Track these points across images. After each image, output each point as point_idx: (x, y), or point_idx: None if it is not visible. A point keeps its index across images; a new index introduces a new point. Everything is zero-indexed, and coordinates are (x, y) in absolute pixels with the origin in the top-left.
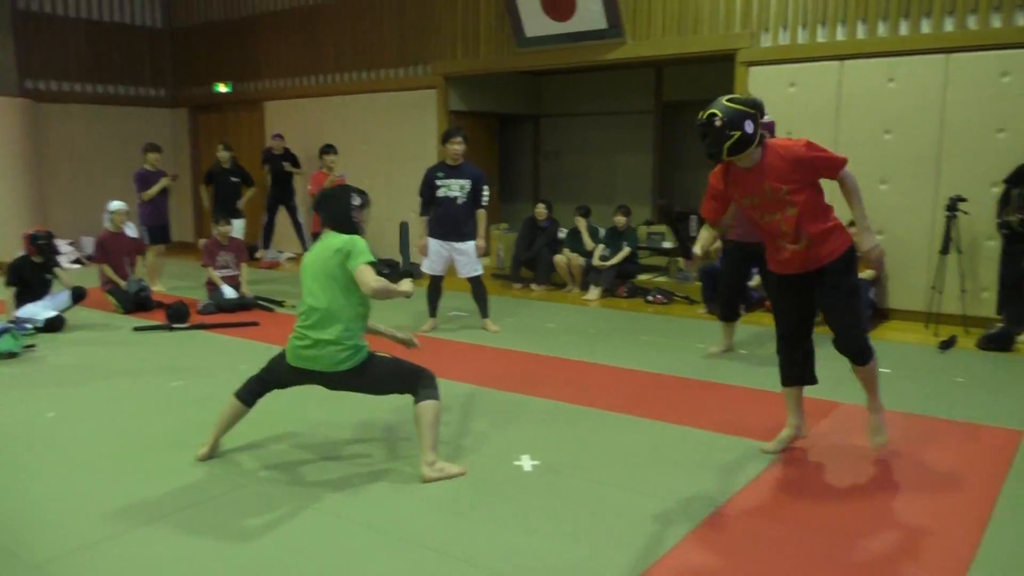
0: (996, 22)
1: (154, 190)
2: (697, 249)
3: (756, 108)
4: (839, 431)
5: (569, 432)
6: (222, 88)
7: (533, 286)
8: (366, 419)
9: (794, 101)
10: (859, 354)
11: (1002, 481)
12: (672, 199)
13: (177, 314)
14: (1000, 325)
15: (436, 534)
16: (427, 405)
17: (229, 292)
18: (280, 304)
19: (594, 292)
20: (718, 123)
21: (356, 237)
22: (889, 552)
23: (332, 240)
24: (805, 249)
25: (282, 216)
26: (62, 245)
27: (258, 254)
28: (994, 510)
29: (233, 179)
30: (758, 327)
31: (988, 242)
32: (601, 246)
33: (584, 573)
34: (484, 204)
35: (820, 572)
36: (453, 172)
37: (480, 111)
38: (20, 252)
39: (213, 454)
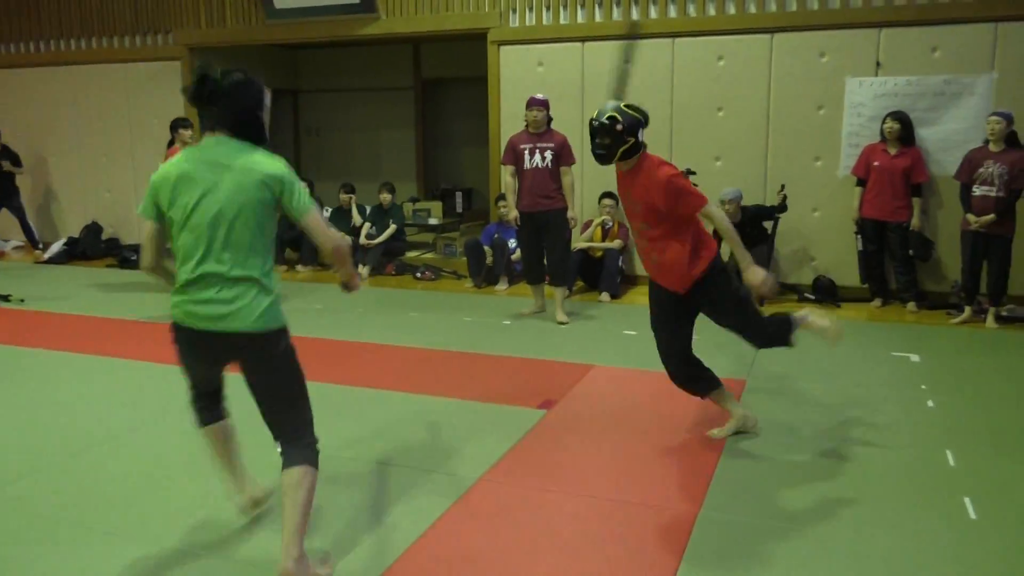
0: (713, 10)
1: None
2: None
3: (645, 118)
4: (590, 393)
5: (337, 414)
6: None
7: (299, 267)
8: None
9: (543, 80)
10: (777, 343)
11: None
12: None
13: None
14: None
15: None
16: (299, 474)
17: None
18: (6, 299)
19: (362, 271)
20: (619, 127)
21: (285, 166)
22: (634, 497)
23: (244, 158)
24: (657, 267)
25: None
26: None
27: None
28: (723, 449)
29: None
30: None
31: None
32: (367, 224)
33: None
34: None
35: (574, 526)
36: None
37: None
38: None
39: (253, 493)
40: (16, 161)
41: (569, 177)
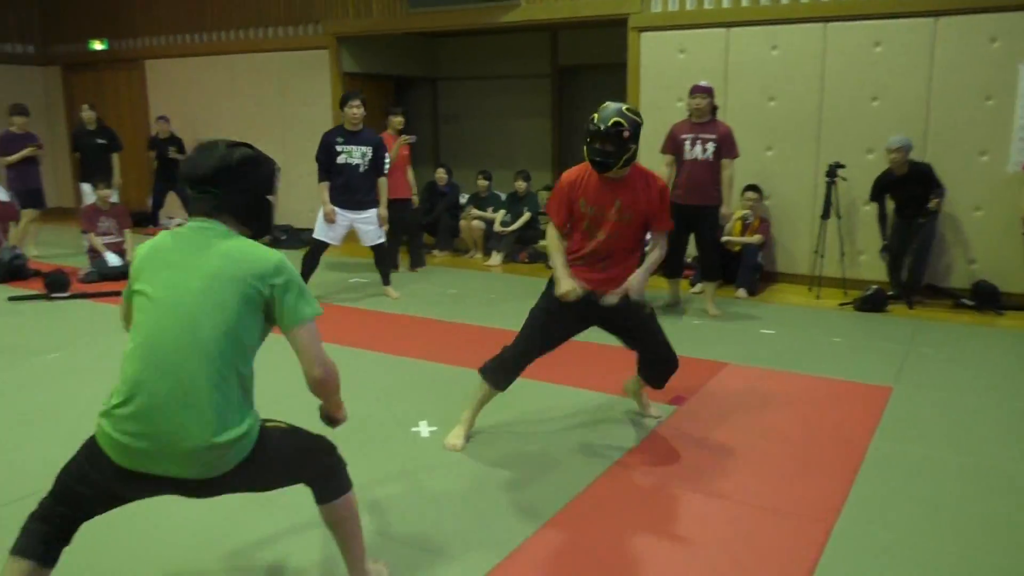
0: None
1: (15, 157)
2: (571, 289)
3: (642, 122)
4: (722, 392)
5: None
6: (97, 45)
7: (435, 252)
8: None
9: (685, 68)
10: (672, 368)
11: (872, 433)
12: None
13: (56, 283)
14: (875, 287)
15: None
16: (348, 501)
17: (113, 259)
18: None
19: (496, 258)
20: (625, 134)
21: (284, 258)
22: (765, 503)
23: (235, 246)
24: (605, 275)
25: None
26: None
27: (151, 229)
28: (863, 461)
29: (99, 141)
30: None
31: (865, 207)
32: (502, 212)
33: (478, 530)
34: (385, 171)
35: (699, 526)
36: (353, 138)
37: (375, 73)
38: None
39: None
40: (181, 148)
41: (729, 171)
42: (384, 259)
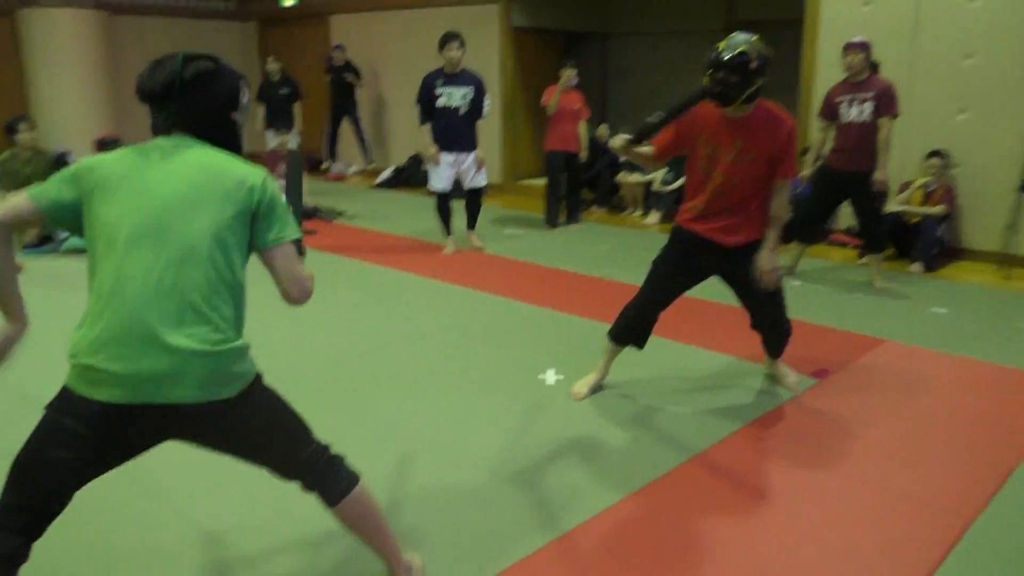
0: None
1: None
2: (619, 137)
3: (771, 57)
4: (875, 369)
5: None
6: (288, 2)
7: (593, 208)
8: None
9: (868, 21)
10: (786, 337)
11: None
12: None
13: None
14: None
15: (450, 440)
16: (363, 490)
17: None
18: (340, 214)
19: (654, 216)
20: (752, 65)
21: (266, 172)
22: (898, 488)
23: (213, 156)
24: (724, 222)
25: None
26: None
27: (324, 165)
28: None
29: (283, 91)
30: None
31: None
32: (663, 170)
33: (595, 483)
34: (485, 114)
35: (815, 504)
36: (453, 80)
37: (545, 28)
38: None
39: None
40: (358, 75)
41: (885, 130)
42: (477, 203)
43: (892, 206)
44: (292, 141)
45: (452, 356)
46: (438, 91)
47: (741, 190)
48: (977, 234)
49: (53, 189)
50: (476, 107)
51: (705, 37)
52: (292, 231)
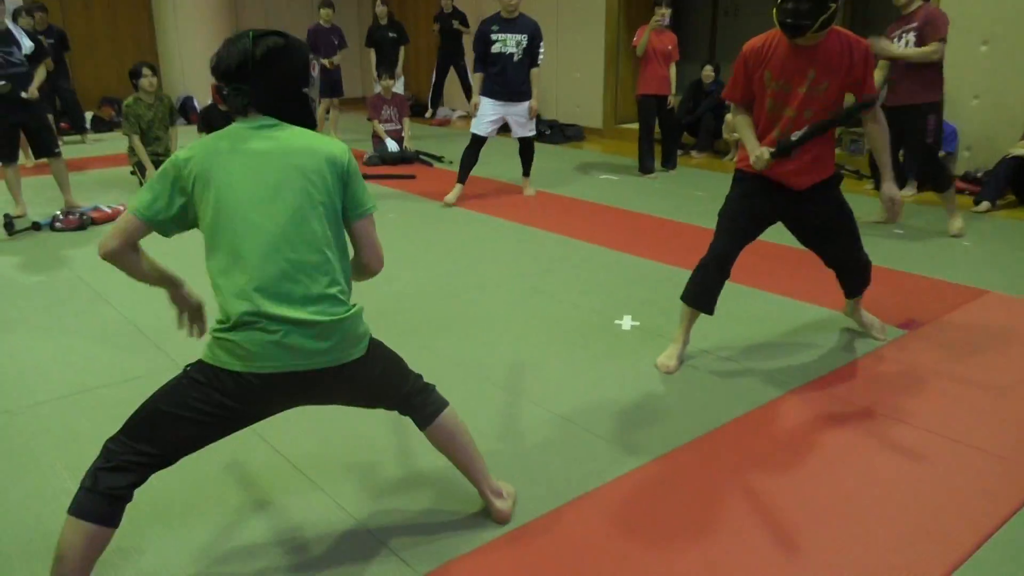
0: None
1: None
2: (761, 153)
3: None
4: (971, 321)
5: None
6: None
7: (694, 153)
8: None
9: None
10: (867, 272)
11: None
12: None
13: None
14: None
15: (521, 381)
16: (453, 413)
17: (392, 145)
18: (439, 159)
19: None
20: None
21: (347, 147)
22: (976, 442)
23: (302, 139)
24: (796, 163)
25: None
26: None
27: (428, 113)
28: None
29: (391, 35)
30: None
31: None
32: None
33: (674, 416)
34: (540, 62)
35: (884, 456)
36: (508, 26)
37: None
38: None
39: None
40: (464, 22)
41: (930, 51)
42: (529, 152)
43: (1016, 149)
44: (397, 84)
45: (532, 300)
46: (493, 36)
47: (815, 122)
48: None
49: (151, 200)
50: (531, 55)
51: None
52: (371, 203)
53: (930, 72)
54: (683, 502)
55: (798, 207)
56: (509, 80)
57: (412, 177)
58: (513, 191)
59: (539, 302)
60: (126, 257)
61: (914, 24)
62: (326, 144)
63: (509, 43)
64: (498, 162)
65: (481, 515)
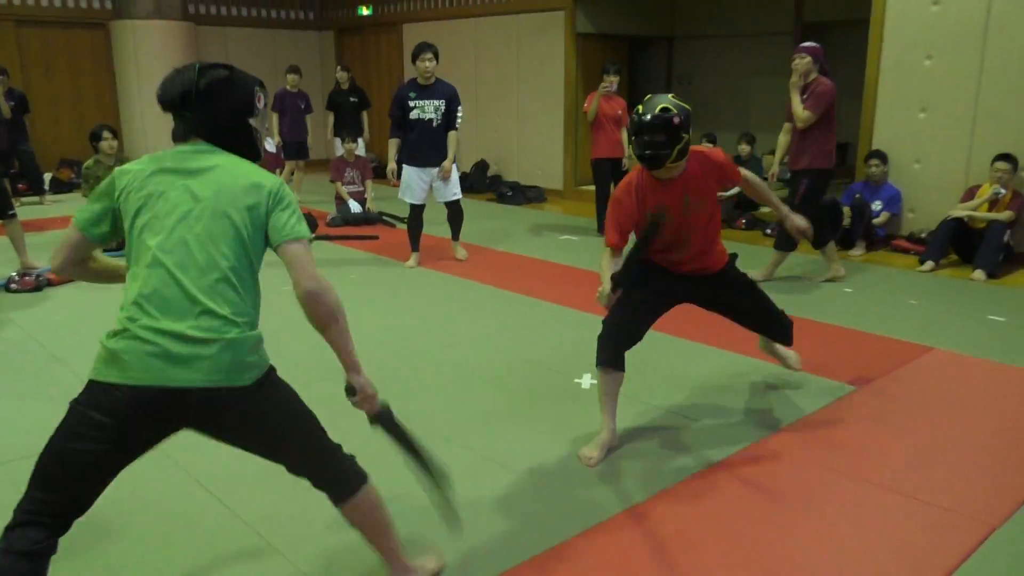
0: None
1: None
2: (606, 288)
3: (690, 110)
4: (918, 378)
5: (640, 358)
6: (364, 11)
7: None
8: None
9: (936, 22)
10: (790, 330)
11: None
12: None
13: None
14: None
15: (478, 440)
16: (372, 488)
17: (355, 206)
18: (402, 220)
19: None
20: (676, 120)
21: (280, 180)
22: (924, 496)
23: (233, 165)
24: (687, 254)
25: None
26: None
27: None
28: None
29: (352, 99)
30: (884, 266)
31: None
32: None
33: (616, 477)
34: (456, 126)
35: (835, 508)
36: (426, 92)
37: (609, 33)
38: None
39: None
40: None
41: (801, 122)
42: (457, 216)
43: (956, 211)
44: (359, 148)
45: (491, 358)
46: (411, 103)
47: (700, 233)
48: None
49: (86, 210)
50: (449, 119)
51: (772, 39)
52: (306, 230)
53: (810, 143)
54: (645, 556)
55: (706, 289)
56: (429, 145)
57: (376, 238)
58: (476, 251)
59: (501, 361)
60: (75, 269)
61: (807, 94)
62: (255, 173)
63: (427, 109)
64: (467, 223)
65: None
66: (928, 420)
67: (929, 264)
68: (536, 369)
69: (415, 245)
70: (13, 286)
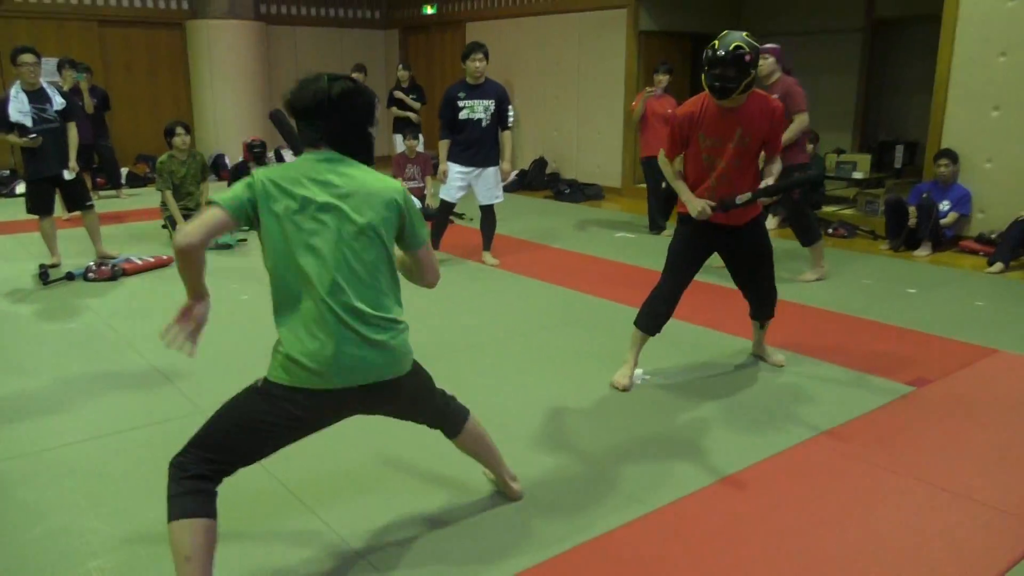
0: None
1: None
2: (704, 208)
3: (760, 48)
4: (981, 379)
5: (707, 356)
6: (429, 10)
7: None
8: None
9: (1011, 17)
10: (775, 298)
11: None
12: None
13: None
14: None
15: (532, 427)
16: (474, 422)
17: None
18: (460, 216)
19: (772, 220)
20: (747, 57)
21: (404, 187)
22: (981, 496)
23: (370, 179)
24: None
25: None
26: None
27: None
28: None
29: (411, 97)
30: (941, 266)
31: None
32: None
33: (660, 478)
34: (509, 125)
35: (890, 508)
36: (475, 92)
37: (673, 31)
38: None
39: None
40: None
41: (795, 126)
42: (491, 221)
43: None
44: (419, 144)
45: (542, 351)
46: (460, 103)
47: (744, 172)
48: None
49: (232, 195)
50: (500, 119)
51: (841, 36)
52: (427, 234)
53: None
54: (691, 550)
55: (735, 242)
56: (477, 146)
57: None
58: (530, 248)
59: (552, 352)
60: (200, 250)
61: (775, 96)
62: (391, 183)
63: (477, 109)
64: (524, 220)
65: (476, 549)
66: (988, 422)
67: (998, 265)
68: (587, 360)
69: (436, 243)
70: (91, 275)
